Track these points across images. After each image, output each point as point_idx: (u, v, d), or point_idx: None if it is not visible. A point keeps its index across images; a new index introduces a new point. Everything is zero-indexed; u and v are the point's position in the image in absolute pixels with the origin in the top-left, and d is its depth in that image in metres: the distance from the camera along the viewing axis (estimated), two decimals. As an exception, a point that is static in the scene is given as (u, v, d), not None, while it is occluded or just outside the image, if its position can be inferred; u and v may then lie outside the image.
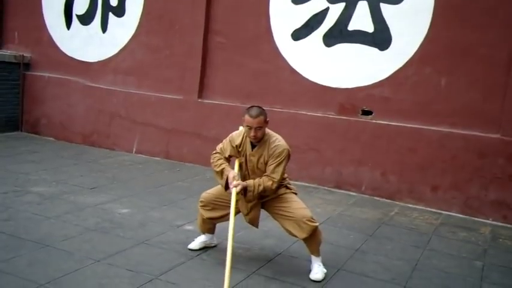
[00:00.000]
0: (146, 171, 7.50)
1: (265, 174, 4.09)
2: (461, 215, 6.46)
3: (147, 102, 8.54)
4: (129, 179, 6.98)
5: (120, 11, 8.77)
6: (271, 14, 7.58)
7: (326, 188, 7.24)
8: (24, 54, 9.63)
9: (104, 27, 8.96)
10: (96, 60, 9.11)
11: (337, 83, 7.22)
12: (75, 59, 9.30)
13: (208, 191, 4.50)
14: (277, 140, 4.14)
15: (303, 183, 7.35)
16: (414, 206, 6.70)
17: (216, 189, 4.44)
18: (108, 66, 8.99)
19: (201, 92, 8.18)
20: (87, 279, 3.77)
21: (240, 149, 4.19)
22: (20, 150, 8.20)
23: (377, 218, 6.09)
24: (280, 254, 4.66)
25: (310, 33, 7.30)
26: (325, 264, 4.45)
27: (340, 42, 7.15)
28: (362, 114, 7.10)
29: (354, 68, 7.10)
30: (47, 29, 9.52)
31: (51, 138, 9.38)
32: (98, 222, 5.06)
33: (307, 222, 4.11)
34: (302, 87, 7.44)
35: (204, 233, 4.61)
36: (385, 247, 5.10)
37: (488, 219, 6.35)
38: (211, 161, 4.32)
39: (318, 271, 4.18)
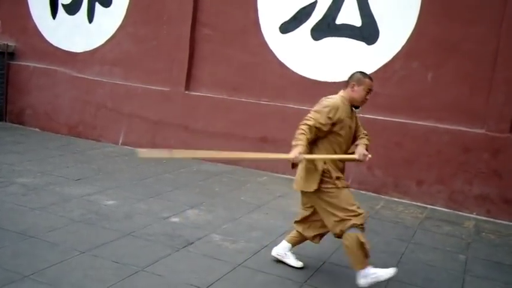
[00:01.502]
0: (132, 163, 7.46)
1: (363, 135, 4.19)
2: (445, 209, 6.52)
3: (134, 94, 8.49)
4: (115, 170, 6.94)
5: (106, 0, 8.68)
6: (259, 6, 7.56)
7: (312, 181, 7.25)
8: (9, 44, 9.51)
9: (91, 17, 8.87)
10: (82, 51, 9.02)
11: (324, 77, 7.23)
12: (60, 49, 9.20)
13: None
14: None
15: (289, 176, 7.31)
16: (400, 200, 6.74)
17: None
18: (95, 56, 8.91)
19: (188, 83, 8.14)
20: (72, 271, 3.75)
21: (336, 121, 3.85)
22: (5, 140, 8.11)
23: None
24: (266, 246, 4.66)
25: (298, 26, 7.30)
26: (311, 257, 4.49)
27: (328, 36, 7.16)
28: (349, 108, 7.12)
29: (341, 61, 7.11)
30: (32, 18, 9.40)
31: (36, 129, 9.29)
32: (84, 214, 5.03)
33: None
34: (290, 81, 7.44)
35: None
36: (370, 240, 5.09)
37: (472, 214, 6.42)
38: (299, 132, 3.84)
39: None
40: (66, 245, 4.21)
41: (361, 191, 6.97)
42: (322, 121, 3.79)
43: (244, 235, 4.90)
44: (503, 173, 6.29)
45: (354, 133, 4.12)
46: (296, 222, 4.26)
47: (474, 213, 6.41)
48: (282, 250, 4.29)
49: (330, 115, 3.80)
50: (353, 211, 3.83)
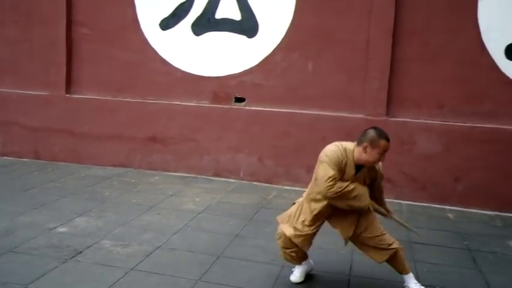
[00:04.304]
0: (13, 174, 6.99)
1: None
2: (334, 193, 6.79)
3: (9, 100, 7.94)
4: (-8, 184, 6.47)
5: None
6: (137, 3, 7.38)
7: (205, 177, 7.25)
8: None
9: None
10: None
11: (209, 72, 7.24)
12: None
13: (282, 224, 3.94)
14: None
15: (182, 174, 7.30)
16: (291, 188, 6.91)
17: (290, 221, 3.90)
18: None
19: (69, 86, 7.77)
20: None
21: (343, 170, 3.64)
22: None
23: (256, 202, 6.22)
24: (159, 247, 4.58)
25: (178, 22, 7.23)
26: (205, 254, 4.48)
27: (208, 31, 7.16)
28: (235, 102, 7.19)
29: (224, 56, 7.15)
30: None
31: None
32: (-43, 234, 4.63)
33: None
34: (174, 78, 7.36)
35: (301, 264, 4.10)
36: (264, 230, 5.22)
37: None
38: (334, 189, 3.55)
39: None
40: None
41: (254, 182, 7.07)
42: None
43: (137, 238, 4.77)
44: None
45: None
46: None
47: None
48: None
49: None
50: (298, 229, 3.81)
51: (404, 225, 3.97)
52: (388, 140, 3.54)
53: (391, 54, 6.57)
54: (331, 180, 3.52)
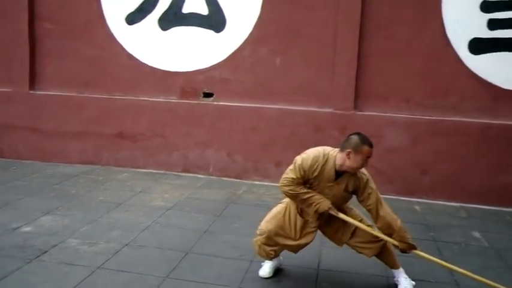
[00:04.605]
0: (-25, 174, 6.82)
1: (382, 215, 3.64)
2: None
3: (-30, 98, 7.72)
4: (-46, 183, 6.29)
5: None
6: (102, -3, 7.27)
7: (174, 173, 7.19)
8: None
9: None
10: None
11: (176, 67, 7.16)
12: None
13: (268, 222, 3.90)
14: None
15: (151, 170, 7.23)
16: (261, 183, 6.91)
17: (277, 219, 3.88)
18: None
19: (33, 83, 7.58)
20: None
21: (310, 180, 3.64)
22: None
23: (225, 198, 6.20)
24: (127, 244, 4.53)
25: (145, 16, 7.12)
26: (173, 250, 4.45)
27: (175, 26, 7.08)
28: (204, 97, 7.15)
29: (192, 51, 7.09)
30: None
31: None
32: None
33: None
34: (141, 73, 7.26)
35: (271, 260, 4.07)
36: (233, 225, 5.21)
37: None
38: (291, 188, 3.63)
39: (406, 285, 3.86)
40: None
41: (223, 178, 7.05)
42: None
43: (104, 236, 4.70)
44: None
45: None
46: None
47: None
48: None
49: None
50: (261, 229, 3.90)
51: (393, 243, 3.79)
52: (371, 146, 3.53)
53: (358, 48, 6.62)
54: (288, 181, 3.61)
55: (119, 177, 6.87)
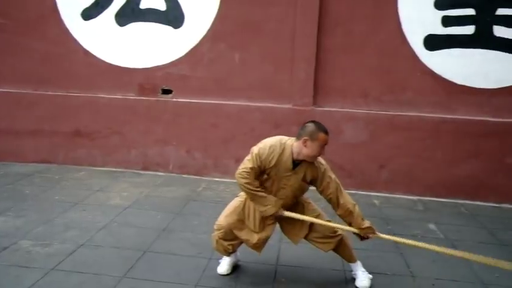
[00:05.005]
0: None
1: (342, 203, 3.66)
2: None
3: None
4: None
5: None
6: (56, -9, 7.08)
7: (133, 171, 7.07)
8: None
9: None
10: None
11: (134, 64, 7.05)
12: None
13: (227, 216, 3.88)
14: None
15: (109, 169, 7.10)
16: (221, 180, 6.88)
17: (236, 213, 3.86)
18: None
19: (-16, 80, 7.35)
20: None
21: (268, 169, 3.59)
22: None
23: (184, 195, 6.15)
24: (83, 245, 4.43)
25: (101, 12, 6.97)
26: (131, 249, 4.38)
27: (133, 21, 6.96)
28: (162, 94, 7.06)
29: (150, 47, 6.99)
30: None
31: None
32: None
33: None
34: (98, 70, 7.11)
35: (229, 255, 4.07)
36: (191, 223, 5.17)
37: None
38: (247, 181, 3.59)
39: (363, 278, 3.91)
40: None
41: (183, 175, 6.98)
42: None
43: (58, 236, 4.59)
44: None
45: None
46: None
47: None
48: None
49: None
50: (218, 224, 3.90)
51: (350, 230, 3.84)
52: (327, 133, 3.54)
53: (316, 44, 6.65)
54: (246, 172, 3.56)
55: (75, 176, 6.73)
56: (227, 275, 3.99)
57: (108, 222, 5.05)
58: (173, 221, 5.20)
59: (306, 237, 3.91)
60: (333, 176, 3.70)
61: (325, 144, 3.55)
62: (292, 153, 3.57)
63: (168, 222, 5.14)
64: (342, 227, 3.76)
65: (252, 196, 3.66)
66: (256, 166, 3.56)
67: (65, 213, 5.28)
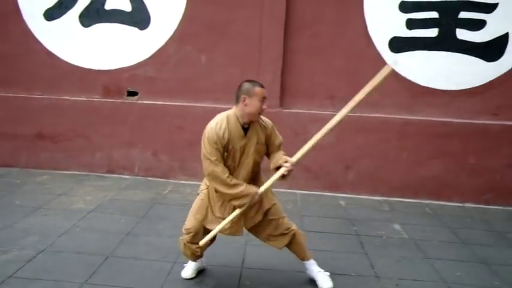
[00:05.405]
0: None
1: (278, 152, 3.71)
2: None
3: None
4: None
5: None
6: (17, -9, 6.91)
7: (98, 174, 6.95)
8: None
9: None
10: None
11: (99, 65, 6.93)
12: None
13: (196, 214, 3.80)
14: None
15: (73, 172, 6.96)
16: (187, 182, 6.81)
17: (204, 208, 3.79)
18: None
19: None
20: None
21: (226, 144, 3.53)
22: None
23: (150, 198, 6.07)
24: (43, 250, 4.32)
25: (65, 12, 6.83)
26: (93, 254, 4.29)
27: (98, 22, 6.84)
28: (128, 96, 6.96)
29: (115, 48, 6.88)
30: None
31: None
32: None
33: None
34: (62, 71, 6.96)
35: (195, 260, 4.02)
36: (157, 227, 5.10)
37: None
38: (219, 169, 3.53)
39: (324, 279, 3.91)
40: None
41: (149, 178, 6.90)
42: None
43: (18, 243, 4.46)
44: (277, 145, 6.77)
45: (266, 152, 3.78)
46: None
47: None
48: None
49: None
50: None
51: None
52: (262, 86, 3.59)
53: (283, 46, 6.66)
54: (209, 162, 3.51)
55: (38, 180, 6.57)
56: (191, 279, 3.94)
57: (71, 226, 4.95)
58: (138, 224, 5.12)
59: (259, 237, 3.87)
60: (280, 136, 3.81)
61: (264, 97, 3.56)
62: (237, 119, 3.58)
63: (132, 226, 5.06)
64: (275, 176, 3.66)
65: (225, 190, 3.55)
66: (214, 149, 3.49)
67: (26, 218, 5.15)
